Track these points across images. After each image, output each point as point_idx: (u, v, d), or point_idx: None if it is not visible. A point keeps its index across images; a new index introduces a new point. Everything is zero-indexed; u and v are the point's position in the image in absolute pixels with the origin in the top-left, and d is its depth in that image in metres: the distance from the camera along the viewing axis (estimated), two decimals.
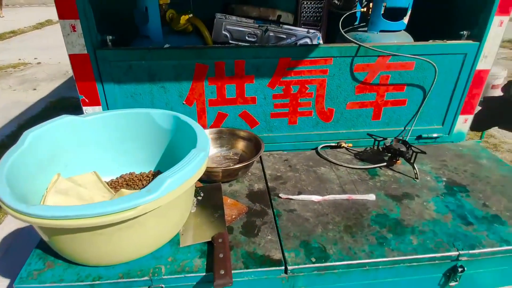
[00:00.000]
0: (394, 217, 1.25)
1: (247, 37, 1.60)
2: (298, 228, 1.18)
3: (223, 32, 1.57)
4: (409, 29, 1.75)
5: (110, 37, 1.44)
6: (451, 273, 1.13)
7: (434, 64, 1.57)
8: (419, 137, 1.80)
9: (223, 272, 0.91)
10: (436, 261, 1.10)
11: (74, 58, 1.41)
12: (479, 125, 2.58)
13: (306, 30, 1.60)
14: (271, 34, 1.59)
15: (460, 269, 1.09)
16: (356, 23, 1.90)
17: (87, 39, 1.37)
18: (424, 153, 1.47)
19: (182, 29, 1.54)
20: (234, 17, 1.55)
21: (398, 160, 1.54)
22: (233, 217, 1.22)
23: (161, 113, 1.31)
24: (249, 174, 1.49)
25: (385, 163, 1.56)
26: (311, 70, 1.56)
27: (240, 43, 1.60)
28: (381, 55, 1.55)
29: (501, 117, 2.36)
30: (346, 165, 1.56)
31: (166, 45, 1.45)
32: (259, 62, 1.51)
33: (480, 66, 1.63)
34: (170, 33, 1.58)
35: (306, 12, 2.00)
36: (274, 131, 1.70)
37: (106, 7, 1.49)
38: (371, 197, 1.33)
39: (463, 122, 1.79)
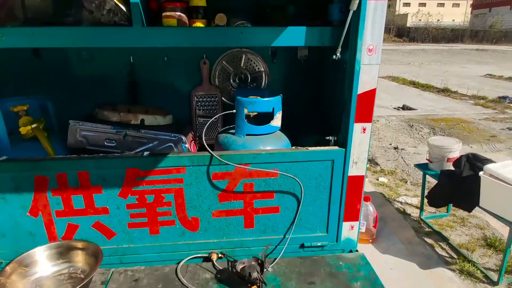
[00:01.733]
0: None
1: (105, 143, 1.56)
2: None
3: (79, 138, 1.53)
4: (286, 128, 1.70)
5: None
6: None
7: (295, 177, 1.47)
8: (302, 246, 1.63)
9: None
10: None
11: None
12: (435, 201, 2.40)
13: (169, 134, 1.56)
14: (131, 139, 1.55)
15: None
16: None
17: None
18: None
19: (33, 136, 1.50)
20: (89, 123, 1.51)
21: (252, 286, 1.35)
22: None
23: None
24: None
25: None
26: (164, 180, 1.46)
27: (102, 149, 1.55)
28: (238, 164, 1.46)
29: (454, 194, 2.19)
30: None
31: (3, 157, 1.39)
32: (104, 173, 1.43)
33: (352, 172, 1.53)
34: (24, 140, 1.54)
35: (201, 104, 2.00)
36: (136, 242, 1.55)
37: None
38: None
39: (350, 229, 1.63)
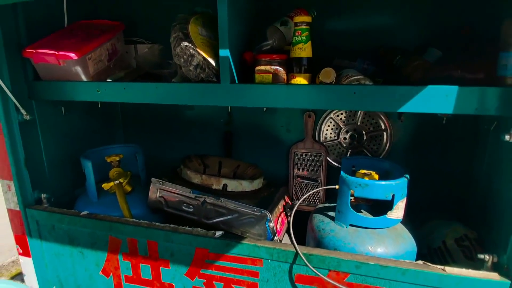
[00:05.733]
0: None
1: (183, 207, 1.38)
2: None
3: (158, 198, 1.40)
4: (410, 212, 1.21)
5: (45, 195, 1.44)
6: None
7: None
8: None
9: None
10: None
11: (10, 212, 1.45)
12: None
13: (251, 207, 1.27)
14: (209, 206, 1.32)
15: None
16: None
17: (19, 198, 1.40)
18: None
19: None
20: (169, 184, 1.36)
21: None
22: None
23: None
24: None
25: None
26: (237, 269, 1.18)
27: (178, 213, 1.37)
28: (333, 270, 1.06)
29: None
30: None
31: (84, 212, 1.35)
32: (173, 247, 1.23)
33: None
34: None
35: (300, 163, 1.67)
36: None
37: (55, 159, 1.53)
38: None
39: None
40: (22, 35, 1.36)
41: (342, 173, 1.16)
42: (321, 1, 1.43)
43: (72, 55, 1.30)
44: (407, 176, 1.16)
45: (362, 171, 1.21)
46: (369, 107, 1.05)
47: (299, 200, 1.68)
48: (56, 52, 1.30)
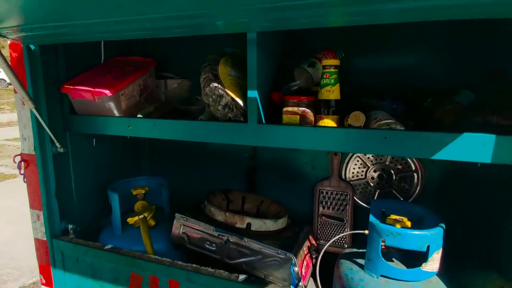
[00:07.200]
0: None
1: (206, 245, 1.35)
2: None
3: (181, 234, 1.38)
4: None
5: (71, 226, 1.47)
6: None
7: None
8: None
9: None
10: None
11: (37, 242, 1.48)
12: None
13: (276, 249, 1.23)
14: (232, 246, 1.29)
15: None
16: None
17: (47, 229, 1.43)
18: None
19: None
20: (192, 220, 1.35)
21: None
22: None
23: None
24: None
25: None
26: None
27: (201, 251, 1.35)
28: None
29: None
30: None
31: (108, 246, 1.35)
32: None
33: None
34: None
35: (326, 202, 1.62)
36: None
37: (84, 190, 1.57)
38: None
39: None
40: (61, 71, 1.43)
41: (372, 218, 1.11)
42: (348, 40, 1.43)
43: (107, 92, 1.35)
44: (443, 225, 1.09)
45: (393, 216, 1.16)
46: (400, 153, 1.01)
47: (324, 240, 1.62)
48: (92, 89, 1.36)
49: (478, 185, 1.39)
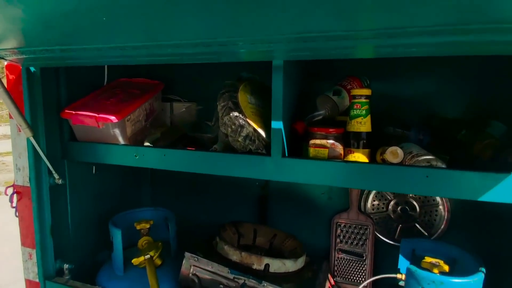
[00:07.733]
0: None
1: None
2: None
3: (191, 275, 1.26)
4: None
5: (67, 265, 1.32)
6: None
7: None
8: None
9: None
10: None
11: (28, 283, 1.32)
12: None
13: None
14: None
15: None
16: None
17: (40, 269, 1.28)
18: None
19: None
20: (204, 261, 1.23)
21: None
22: None
23: None
24: None
25: None
26: None
27: None
28: None
29: None
30: None
31: None
32: None
33: None
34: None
35: (343, 236, 1.51)
36: None
37: (80, 223, 1.43)
38: None
39: None
40: (63, 95, 1.32)
41: (409, 265, 1.01)
42: (369, 66, 1.36)
43: (112, 118, 1.24)
44: (483, 269, 1.00)
45: (428, 259, 1.06)
46: (442, 193, 0.93)
47: (340, 277, 1.51)
48: (96, 115, 1.25)
49: (510, 221, 1.31)
